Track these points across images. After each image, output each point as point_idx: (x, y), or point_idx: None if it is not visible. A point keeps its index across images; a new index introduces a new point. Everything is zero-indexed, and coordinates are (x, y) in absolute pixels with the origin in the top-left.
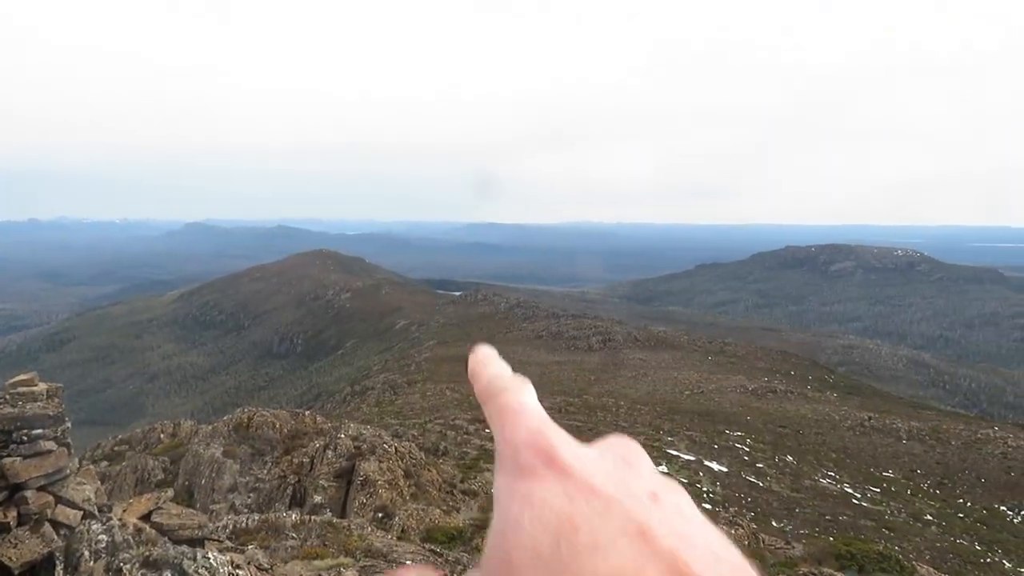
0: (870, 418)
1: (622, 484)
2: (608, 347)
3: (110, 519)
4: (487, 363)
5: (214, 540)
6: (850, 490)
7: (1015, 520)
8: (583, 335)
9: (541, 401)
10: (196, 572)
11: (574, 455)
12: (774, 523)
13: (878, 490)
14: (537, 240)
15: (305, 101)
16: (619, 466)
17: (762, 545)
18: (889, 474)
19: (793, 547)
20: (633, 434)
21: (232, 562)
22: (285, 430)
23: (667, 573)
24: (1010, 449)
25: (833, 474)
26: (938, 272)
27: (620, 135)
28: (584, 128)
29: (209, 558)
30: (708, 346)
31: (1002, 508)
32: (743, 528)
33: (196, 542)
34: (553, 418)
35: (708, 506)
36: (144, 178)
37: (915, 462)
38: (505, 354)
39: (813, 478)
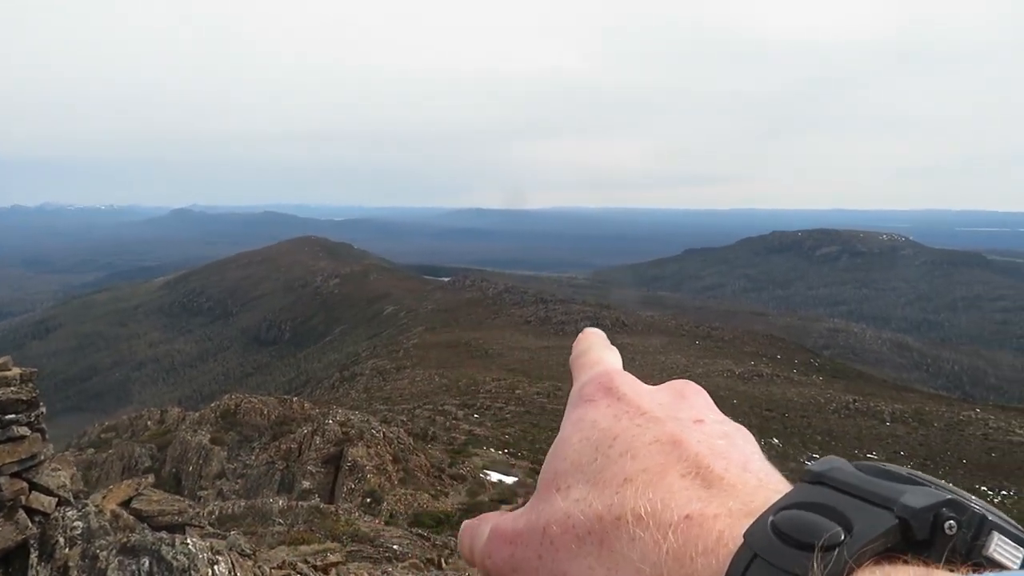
0: (855, 401)
1: (669, 409)
2: None
3: (86, 505)
4: (584, 339)
5: (195, 526)
6: None
7: (995, 500)
8: (571, 320)
9: (530, 387)
10: (174, 558)
11: (631, 387)
12: None
13: None
14: (525, 225)
15: (290, 86)
16: (673, 397)
17: None
18: (873, 456)
19: None
20: None
21: (212, 548)
22: (273, 416)
23: (689, 471)
24: (991, 431)
25: (818, 456)
26: (922, 256)
27: (609, 121)
28: (572, 114)
29: (188, 544)
30: (696, 330)
31: (983, 488)
32: None
33: (176, 528)
34: (542, 402)
35: None
36: (130, 164)
37: (899, 444)
38: (494, 339)
39: (799, 460)
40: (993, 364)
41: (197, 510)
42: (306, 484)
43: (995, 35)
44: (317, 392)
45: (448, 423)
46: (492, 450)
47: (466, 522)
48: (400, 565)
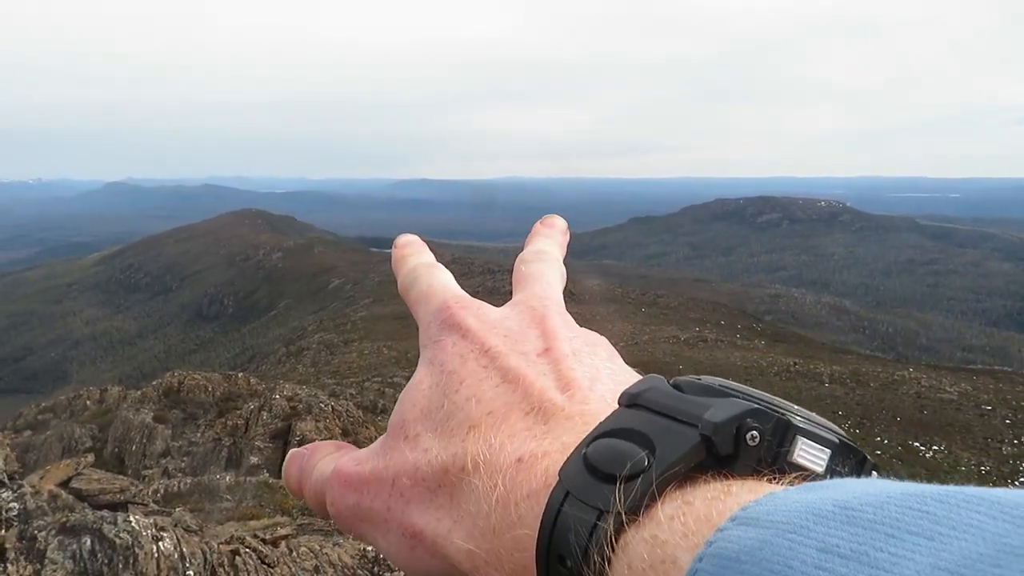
0: (795, 364)
1: (515, 341)
2: None
3: (21, 486)
4: (405, 257)
5: (139, 504)
6: None
7: (927, 455)
8: None
9: None
10: (117, 536)
11: (475, 320)
12: None
13: None
14: (470, 195)
15: (229, 54)
16: (522, 325)
17: None
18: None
19: None
20: None
21: (156, 525)
22: (218, 393)
23: (532, 408)
24: (923, 389)
25: None
26: (859, 222)
27: (552, 90)
28: (516, 83)
29: (131, 521)
30: (642, 298)
31: (915, 444)
32: None
33: (118, 506)
34: None
35: None
36: (60, 136)
37: (837, 404)
38: None
39: None
40: (924, 325)
41: (140, 488)
42: (254, 460)
43: (920, 7)
44: (263, 367)
45: (397, 395)
46: None
47: (293, 451)
48: (350, 537)
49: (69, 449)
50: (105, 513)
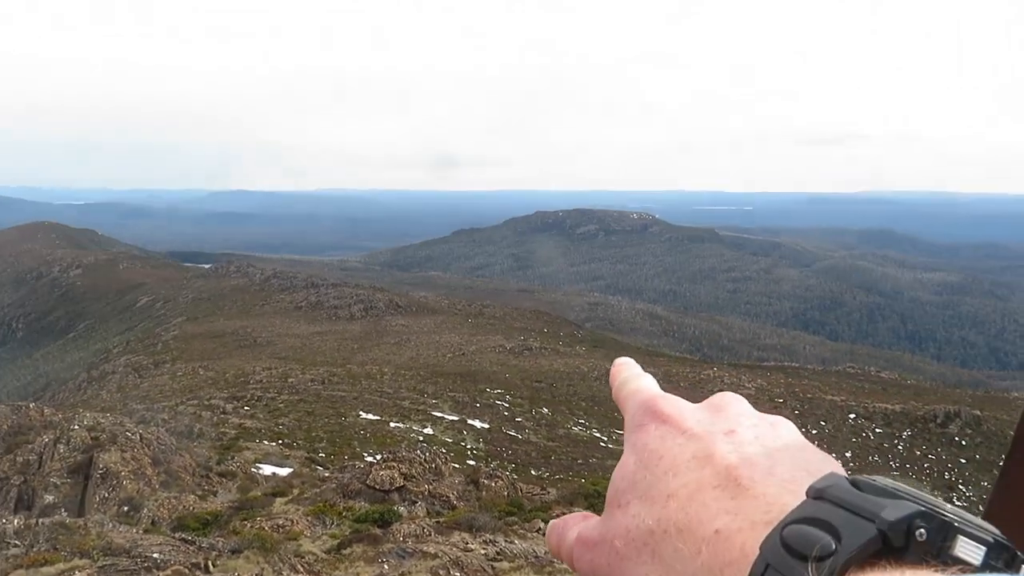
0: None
1: (706, 424)
2: (370, 315)
3: None
4: (620, 371)
5: None
6: (598, 435)
7: None
8: (344, 304)
9: (304, 374)
10: None
11: (673, 408)
12: (532, 472)
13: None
14: (291, 208)
15: (15, 52)
16: (710, 412)
17: (520, 493)
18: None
19: (548, 492)
20: (397, 399)
21: None
22: (5, 426)
23: (720, 483)
24: (726, 386)
25: (584, 421)
26: (667, 233)
27: (374, 103)
28: (337, 94)
29: None
30: (468, 309)
31: None
32: (503, 480)
33: None
34: (316, 389)
35: (472, 462)
36: None
37: None
38: (262, 327)
39: (566, 427)
40: (726, 328)
41: None
42: (49, 498)
43: (722, 41)
44: (61, 395)
45: (216, 418)
46: (265, 442)
47: (552, 522)
48: (161, 574)
49: None
50: None
